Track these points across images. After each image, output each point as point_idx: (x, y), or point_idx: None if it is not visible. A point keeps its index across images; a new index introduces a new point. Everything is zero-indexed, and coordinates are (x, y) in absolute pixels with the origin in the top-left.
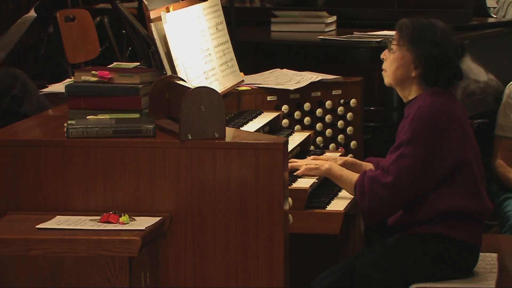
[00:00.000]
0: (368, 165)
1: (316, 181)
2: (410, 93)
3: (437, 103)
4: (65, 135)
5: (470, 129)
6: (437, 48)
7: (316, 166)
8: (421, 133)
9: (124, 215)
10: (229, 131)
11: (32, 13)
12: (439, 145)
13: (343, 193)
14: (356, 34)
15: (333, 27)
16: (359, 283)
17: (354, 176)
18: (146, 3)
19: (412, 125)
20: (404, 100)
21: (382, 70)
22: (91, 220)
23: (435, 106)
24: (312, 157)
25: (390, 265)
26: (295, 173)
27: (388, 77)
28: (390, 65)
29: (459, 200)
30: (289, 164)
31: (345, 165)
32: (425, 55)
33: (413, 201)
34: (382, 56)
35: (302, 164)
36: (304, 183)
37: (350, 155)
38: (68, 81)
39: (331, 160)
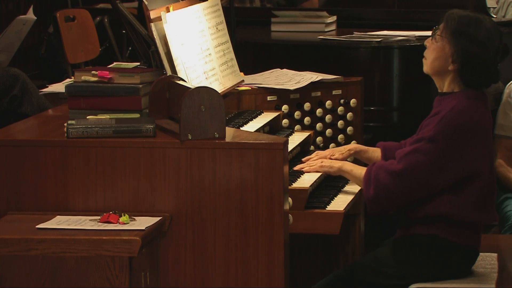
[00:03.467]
0: (376, 151)
1: (317, 180)
2: (444, 85)
3: (470, 110)
4: (65, 135)
5: (492, 139)
6: (476, 47)
7: (330, 165)
8: (445, 136)
9: (124, 215)
10: (229, 131)
11: (32, 16)
12: (458, 154)
13: (344, 193)
14: (356, 34)
15: (333, 27)
16: (356, 286)
17: (363, 170)
18: (146, 3)
19: (439, 124)
20: (438, 90)
21: (423, 57)
22: (91, 220)
23: (468, 113)
24: (316, 152)
25: (386, 268)
26: (304, 169)
27: (426, 66)
28: (430, 54)
29: (463, 210)
30: (308, 168)
31: (350, 155)
32: (463, 52)
33: (416, 200)
34: (425, 42)
35: (317, 163)
36: (304, 183)
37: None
38: (68, 81)
39: (336, 153)
